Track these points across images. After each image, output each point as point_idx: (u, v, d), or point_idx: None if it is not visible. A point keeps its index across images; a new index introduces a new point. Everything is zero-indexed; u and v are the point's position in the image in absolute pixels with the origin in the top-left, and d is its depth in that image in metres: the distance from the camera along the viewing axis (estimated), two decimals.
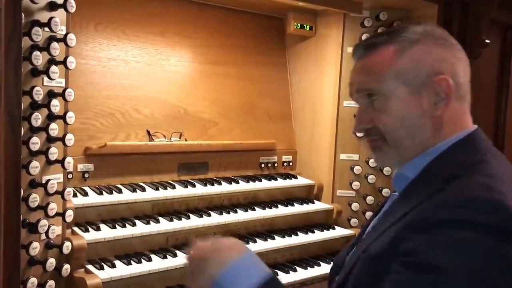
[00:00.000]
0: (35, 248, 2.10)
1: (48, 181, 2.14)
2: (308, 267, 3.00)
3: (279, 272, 2.87)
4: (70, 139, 2.24)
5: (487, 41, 3.63)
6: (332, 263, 3.20)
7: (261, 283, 1.22)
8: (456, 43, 1.40)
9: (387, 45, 1.37)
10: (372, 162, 3.51)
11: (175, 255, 2.63)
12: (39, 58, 2.06)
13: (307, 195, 3.56)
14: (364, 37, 3.47)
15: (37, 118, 2.08)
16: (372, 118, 1.40)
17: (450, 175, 1.26)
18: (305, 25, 3.63)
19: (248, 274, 1.24)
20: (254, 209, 3.13)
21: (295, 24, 3.60)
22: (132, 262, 2.50)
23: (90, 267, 2.41)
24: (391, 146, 1.39)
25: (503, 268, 1.12)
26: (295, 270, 2.93)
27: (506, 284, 1.13)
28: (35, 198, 2.09)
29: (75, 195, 2.57)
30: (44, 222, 2.12)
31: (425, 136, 1.37)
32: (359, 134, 1.48)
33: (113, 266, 2.44)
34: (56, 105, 2.16)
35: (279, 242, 3.03)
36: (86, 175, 2.77)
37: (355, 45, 1.47)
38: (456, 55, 1.38)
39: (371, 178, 3.53)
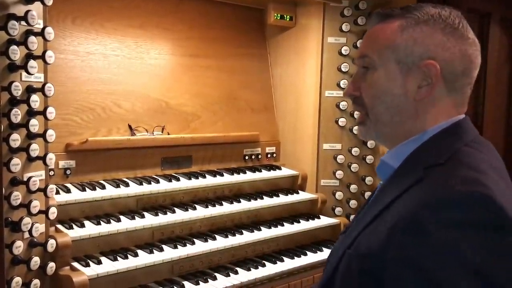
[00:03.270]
0: (19, 247, 2.05)
1: (30, 178, 2.10)
2: (295, 257, 3.00)
3: (267, 263, 2.87)
4: (51, 135, 2.19)
5: None
6: (318, 252, 3.21)
7: None
8: (472, 39, 1.34)
9: (396, 19, 1.37)
10: (355, 151, 3.54)
11: (161, 250, 2.61)
12: (16, 53, 2.01)
13: (291, 185, 3.56)
14: (344, 26, 3.48)
15: (17, 114, 2.03)
16: (360, 87, 1.41)
17: (430, 164, 1.24)
18: (285, 16, 3.63)
19: None
20: (239, 201, 3.12)
21: (275, 14, 3.59)
22: (118, 258, 2.47)
23: (75, 264, 2.37)
24: (371, 120, 1.40)
25: (501, 261, 1.08)
26: (282, 261, 2.94)
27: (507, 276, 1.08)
28: (17, 196, 2.04)
29: (57, 192, 2.52)
30: (27, 220, 2.07)
31: (406, 118, 1.35)
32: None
33: (99, 262, 2.41)
34: (35, 101, 2.11)
35: (265, 233, 3.04)
36: (68, 171, 2.73)
37: (373, 13, 1.47)
38: (463, 48, 1.31)
39: (354, 167, 3.55)
